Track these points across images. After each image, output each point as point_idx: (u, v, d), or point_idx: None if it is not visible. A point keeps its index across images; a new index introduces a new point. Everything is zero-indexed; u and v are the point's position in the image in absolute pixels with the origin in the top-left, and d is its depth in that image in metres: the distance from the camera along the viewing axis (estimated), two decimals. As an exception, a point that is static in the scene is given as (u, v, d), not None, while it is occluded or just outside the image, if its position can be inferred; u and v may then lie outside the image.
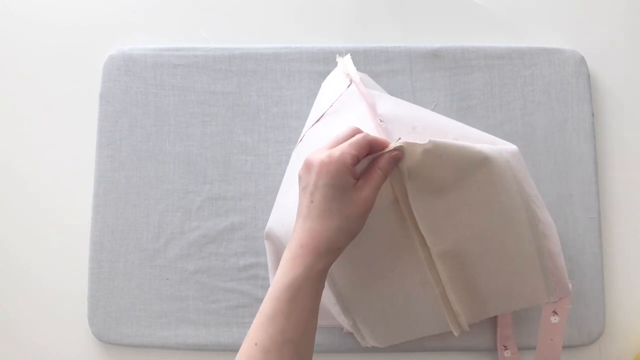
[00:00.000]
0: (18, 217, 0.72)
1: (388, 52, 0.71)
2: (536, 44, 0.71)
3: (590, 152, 0.69)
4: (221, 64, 0.71)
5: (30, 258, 0.71)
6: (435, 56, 0.71)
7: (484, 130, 0.56)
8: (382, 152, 0.45)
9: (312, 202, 0.43)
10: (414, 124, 0.52)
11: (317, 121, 0.58)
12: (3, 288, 0.71)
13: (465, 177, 0.48)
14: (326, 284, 0.50)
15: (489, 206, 0.50)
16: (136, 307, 0.68)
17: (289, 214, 0.50)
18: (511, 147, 0.52)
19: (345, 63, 0.58)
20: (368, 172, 0.45)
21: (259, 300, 0.66)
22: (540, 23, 0.73)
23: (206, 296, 0.68)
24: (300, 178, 0.45)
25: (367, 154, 0.45)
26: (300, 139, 0.60)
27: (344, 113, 0.55)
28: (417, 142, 0.45)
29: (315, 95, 0.64)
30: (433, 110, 0.69)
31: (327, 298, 0.54)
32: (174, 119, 0.71)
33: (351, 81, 0.56)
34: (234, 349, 0.64)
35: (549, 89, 0.70)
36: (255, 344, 0.42)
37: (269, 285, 0.64)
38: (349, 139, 0.45)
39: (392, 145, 0.45)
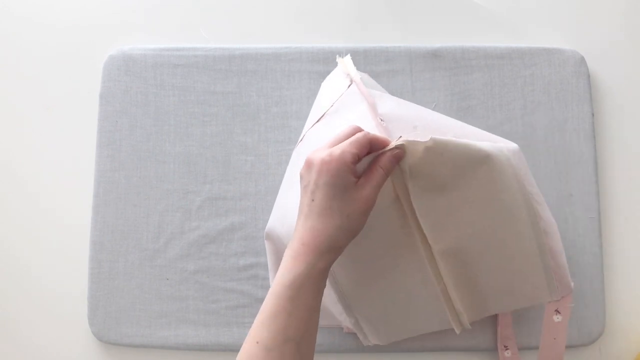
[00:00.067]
0: (18, 217, 0.72)
1: (388, 52, 0.71)
2: (536, 44, 0.71)
3: (590, 152, 0.69)
4: (221, 64, 0.71)
5: (30, 258, 0.71)
6: (435, 56, 0.71)
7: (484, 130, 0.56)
8: (384, 150, 0.45)
9: (313, 200, 0.43)
10: (414, 124, 0.52)
11: (317, 121, 0.58)
12: (3, 288, 0.71)
13: (466, 175, 0.48)
14: (328, 282, 0.50)
15: (490, 204, 0.50)
16: (136, 307, 0.68)
17: (290, 213, 0.51)
18: (512, 145, 0.52)
19: (346, 63, 0.58)
20: (369, 171, 0.45)
21: (259, 300, 0.66)
22: (540, 23, 0.73)
23: (206, 296, 0.68)
24: (301, 177, 0.45)
25: (368, 153, 0.45)
26: (300, 139, 0.60)
27: (344, 113, 0.55)
28: (418, 140, 0.45)
29: (315, 95, 0.64)
30: (433, 110, 0.69)
31: (329, 297, 0.54)
32: (174, 119, 0.71)
33: (351, 81, 0.56)
34: (234, 349, 0.65)
35: (549, 89, 0.70)
36: (257, 343, 0.42)
37: (269, 286, 0.65)
38: (349, 137, 0.45)
39: (393, 144, 0.45)
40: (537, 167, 0.68)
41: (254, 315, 0.65)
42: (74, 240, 0.70)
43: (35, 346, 0.70)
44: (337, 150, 0.43)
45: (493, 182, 0.49)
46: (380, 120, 0.51)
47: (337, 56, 0.59)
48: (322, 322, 0.46)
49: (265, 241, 0.59)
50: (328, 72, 0.64)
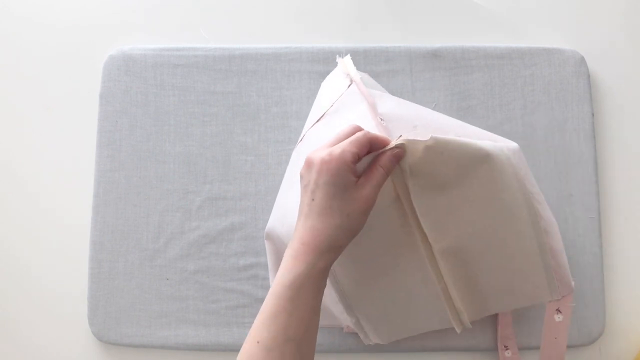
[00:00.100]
0: (18, 217, 0.72)
1: (388, 52, 0.71)
2: (536, 44, 0.71)
3: (590, 152, 0.69)
4: (221, 64, 0.71)
5: (30, 258, 0.71)
6: (435, 56, 0.71)
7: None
8: (384, 149, 0.45)
9: (313, 200, 0.43)
10: (414, 123, 0.52)
11: (317, 121, 0.58)
12: (3, 288, 0.71)
13: (466, 174, 0.48)
14: (328, 282, 0.50)
15: (490, 203, 0.50)
16: (136, 307, 0.68)
17: (290, 213, 0.50)
18: (512, 144, 0.52)
19: (346, 63, 0.58)
20: (369, 170, 0.45)
21: (259, 300, 0.66)
22: (540, 23, 0.73)
23: (206, 296, 0.68)
24: (301, 176, 0.45)
25: (368, 152, 0.45)
26: (300, 138, 0.60)
27: (344, 112, 0.55)
28: (419, 139, 0.45)
29: (315, 95, 0.64)
30: (433, 110, 0.69)
31: (329, 297, 0.54)
32: (174, 119, 0.71)
33: (351, 81, 0.56)
34: (234, 349, 0.65)
35: (549, 89, 0.70)
36: (257, 342, 0.42)
37: (269, 286, 0.65)
38: (349, 136, 0.44)
39: (393, 143, 0.45)
40: (537, 167, 0.68)
41: (254, 315, 0.65)
42: (74, 240, 0.70)
43: (35, 346, 0.70)
44: (337, 149, 0.43)
45: (494, 182, 0.49)
46: (380, 120, 0.51)
47: (337, 56, 0.59)
48: (323, 322, 0.46)
49: (265, 241, 0.59)
50: (328, 72, 0.64)
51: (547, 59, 0.70)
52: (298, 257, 0.43)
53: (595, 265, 0.67)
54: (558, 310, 0.56)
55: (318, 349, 0.45)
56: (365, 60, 0.71)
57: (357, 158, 0.43)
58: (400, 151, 0.45)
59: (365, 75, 0.62)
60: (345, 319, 0.57)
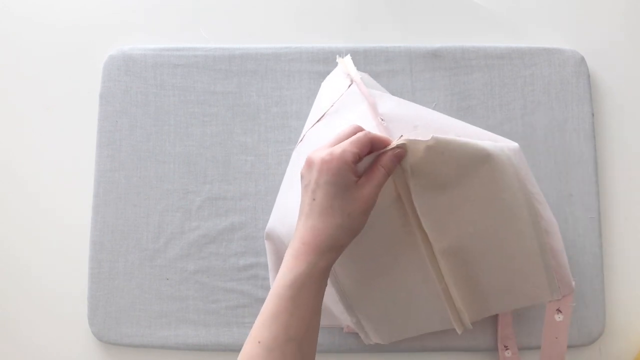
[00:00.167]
0: (18, 217, 0.72)
1: (388, 52, 0.71)
2: (536, 44, 0.71)
3: (590, 152, 0.69)
4: (221, 64, 0.71)
5: (30, 258, 0.71)
6: (435, 56, 0.71)
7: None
8: (385, 149, 0.45)
9: (314, 199, 0.43)
10: (415, 123, 0.52)
11: (317, 121, 0.58)
12: (3, 288, 0.71)
13: (467, 174, 0.48)
14: (329, 282, 0.50)
15: (491, 203, 0.50)
16: (136, 307, 0.68)
17: (290, 213, 0.50)
18: (513, 144, 0.52)
19: (346, 63, 0.58)
20: (370, 170, 0.45)
21: (259, 300, 0.66)
22: (540, 23, 0.73)
23: (206, 296, 0.68)
24: (302, 176, 0.45)
25: (369, 152, 0.45)
26: (300, 139, 0.60)
27: (344, 113, 0.55)
28: (420, 139, 0.45)
29: (315, 95, 0.64)
30: (433, 110, 0.69)
31: (330, 296, 0.54)
32: (174, 119, 0.71)
33: (352, 81, 0.56)
34: (234, 349, 0.65)
35: (549, 89, 0.70)
36: (259, 343, 0.42)
37: (269, 285, 0.65)
38: (350, 137, 0.44)
39: (394, 143, 0.45)
40: (537, 167, 0.68)
41: (253, 315, 0.66)
42: (74, 240, 0.70)
43: (35, 346, 0.70)
44: (338, 149, 0.43)
45: (494, 182, 0.49)
46: (380, 120, 0.51)
47: (337, 56, 0.59)
48: (323, 321, 0.46)
49: (266, 241, 0.59)
50: (328, 72, 0.64)
51: (547, 59, 0.70)
52: (299, 256, 0.43)
53: (595, 265, 0.67)
54: (558, 310, 0.56)
55: (318, 349, 0.45)
56: (365, 60, 0.71)
57: (358, 158, 0.43)
58: (402, 151, 0.45)
59: (366, 75, 0.62)
60: (345, 319, 0.57)
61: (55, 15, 0.75)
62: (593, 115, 0.70)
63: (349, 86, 0.56)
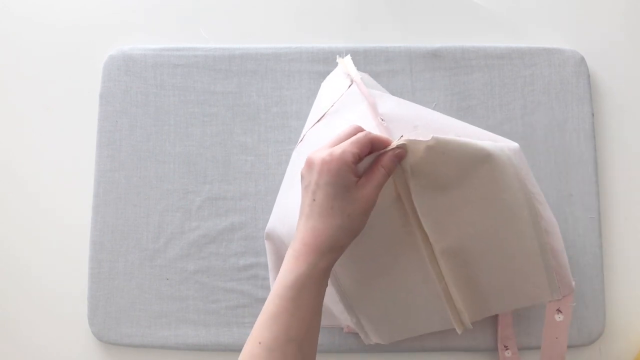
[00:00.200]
0: (18, 217, 0.72)
1: (388, 52, 0.71)
2: (536, 44, 0.71)
3: (590, 152, 0.69)
4: (221, 64, 0.71)
5: (30, 258, 0.71)
6: (435, 56, 0.71)
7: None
8: (385, 150, 0.45)
9: (314, 200, 0.43)
10: (415, 123, 0.52)
11: (317, 121, 0.58)
12: (3, 288, 0.71)
13: (467, 174, 0.48)
14: (329, 282, 0.50)
15: (491, 203, 0.50)
16: (136, 307, 0.68)
17: (290, 213, 0.50)
18: (513, 144, 0.52)
19: (346, 63, 0.58)
20: (371, 170, 0.45)
21: (259, 300, 0.66)
22: (540, 23, 0.73)
23: (206, 296, 0.68)
24: (302, 177, 0.45)
25: (369, 152, 0.45)
26: (300, 139, 0.60)
27: (344, 113, 0.55)
28: (420, 139, 0.45)
29: (315, 95, 0.64)
30: (433, 110, 0.69)
31: (330, 296, 0.54)
32: (174, 119, 0.71)
33: (352, 81, 0.56)
34: (234, 349, 0.65)
35: (549, 89, 0.70)
36: (259, 343, 0.42)
37: (269, 285, 0.65)
38: (350, 137, 0.44)
39: (394, 143, 0.45)
40: (537, 167, 0.68)
41: (253, 315, 0.66)
42: (74, 240, 0.70)
43: (35, 346, 0.70)
44: (338, 150, 0.43)
45: (495, 182, 0.49)
46: (380, 120, 0.51)
47: (337, 56, 0.59)
48: (323, 322, 0.46)
49: (266, 241, 0.59)
50: (328, 72, 0.64)
51: (547, 59, 0.70)
52: (299, 257, 0.43)
53: (595, 265, 0.67)
54: (559, 310, 0.56)
55: (318, 349, 0.45)
56: (365, 60, 0.71)
57: (358, 158, 0.44)
58: (402, 151, 0.45)
59: (366, 76, 0.62)
60: (345, 319, 0.57)
61: (55, 15, 0.75)
62: (593, 115, 0.70)
63: (349, 86, 0.56)
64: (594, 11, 0.73)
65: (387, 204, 0.48)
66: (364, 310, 0.55)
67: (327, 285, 0.45)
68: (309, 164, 0.44)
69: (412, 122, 0.52)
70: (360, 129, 0.46)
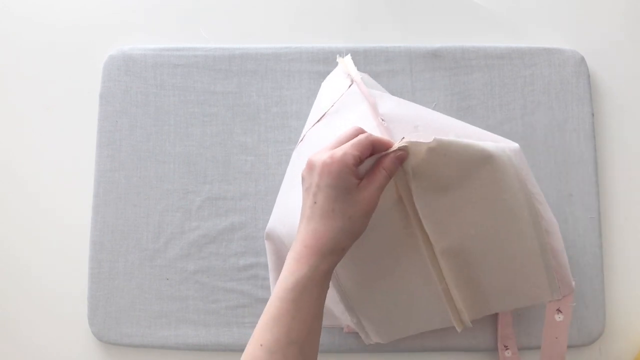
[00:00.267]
0: (18, 217, 0.72)
1: (388, 52, 0.71)
2: (536, 44, 0.71)
3: (590, 152, 0.69)
4: (221, 64, 0.71)
5: (30, 258, 0.71)
6: (435, 56, 0.71)
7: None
8: (387, 152, 0.45)
9: (315, 202, 0.43)
10: (415, 123, 0.52)
11: (318, 121, 0.58)
12: (3, 288, 0.71)
13: (469, 175, 0.48)
14: (330, 283, 0.50)
15: (492, 204, 0.50)
16: (136, 307, 0.68)
17: (291, 214, 0.51)
18: (513, 145, 0.52)
19: (346, 63, 0.58)
20: (372, 172, 0.45)
21: (259, 300, 0.66)
22: (540, 23, 0.73)
23: (206, 296, 0.68)
24: (303, 179, 0.45)
25: (370, 154, 0.45)
26: (300, 139, 0.60)
27: (345, 113, 0.55)
28: (422, 140, 0.45)
29: (315, 95, 0.64)
30: (433, 110, 0.69)
31: (331, 297, 0.54)
32: (174, 119, 0.71)
33: (352, 81, 0.56)
34: (234, 349, 0.65)
35: (549, 89, 0.70)
36: (261, 345, 0.42)
37: (269, 285, 0.65)
38: (351, 139, 0.44)
39: (396, 145, 0.45)
40: (537, 167, 0.68)
41: (253, 315, 0.66)
42: (74, 240, 0.70)
43: (35, 346, 0.70)
44: (339, 152, 0.43)
45: (495, 182, 0.49)
46: (381, 120, 0.51)
47: (337, 56, 0.59)
48: (323, 322, 0.46)
49: (266, 241, 0.59)
50: (328, 72, 0.64)
51: (547, 59, 0.70)
52: (301, 259, 0.43)
53: (595, 265, 0.67)
54: (559, 310, 0.56)
55: (319, 349, 0.45)
56: (365, 60, 0.71)
57: (359, 161, 0.43)
58: (404, 153, 0.45)
59: (366, 76, 0.62)
60: (346, 319, 0.57)
61: (55, 15, 0.75)
62: (593, 115, 0.70)
63: (349, 86, 0.56)
64: (594, 11, 0.73)
65: (389, 206, 0.48)
66: (365, 311, 0.55)
67: (328, 287, 0.45)
68: (310, 166, 0.44)
69: (413, 122, 0.52)
70: (361, 131, 0.46)
